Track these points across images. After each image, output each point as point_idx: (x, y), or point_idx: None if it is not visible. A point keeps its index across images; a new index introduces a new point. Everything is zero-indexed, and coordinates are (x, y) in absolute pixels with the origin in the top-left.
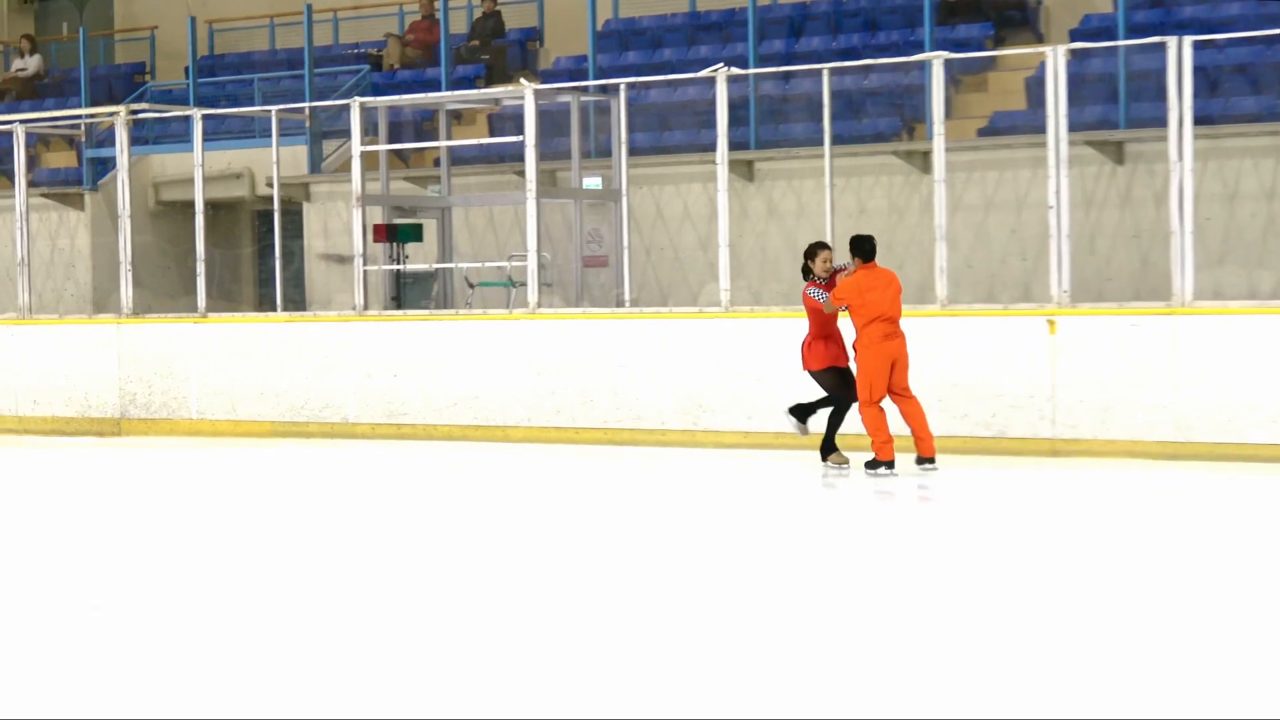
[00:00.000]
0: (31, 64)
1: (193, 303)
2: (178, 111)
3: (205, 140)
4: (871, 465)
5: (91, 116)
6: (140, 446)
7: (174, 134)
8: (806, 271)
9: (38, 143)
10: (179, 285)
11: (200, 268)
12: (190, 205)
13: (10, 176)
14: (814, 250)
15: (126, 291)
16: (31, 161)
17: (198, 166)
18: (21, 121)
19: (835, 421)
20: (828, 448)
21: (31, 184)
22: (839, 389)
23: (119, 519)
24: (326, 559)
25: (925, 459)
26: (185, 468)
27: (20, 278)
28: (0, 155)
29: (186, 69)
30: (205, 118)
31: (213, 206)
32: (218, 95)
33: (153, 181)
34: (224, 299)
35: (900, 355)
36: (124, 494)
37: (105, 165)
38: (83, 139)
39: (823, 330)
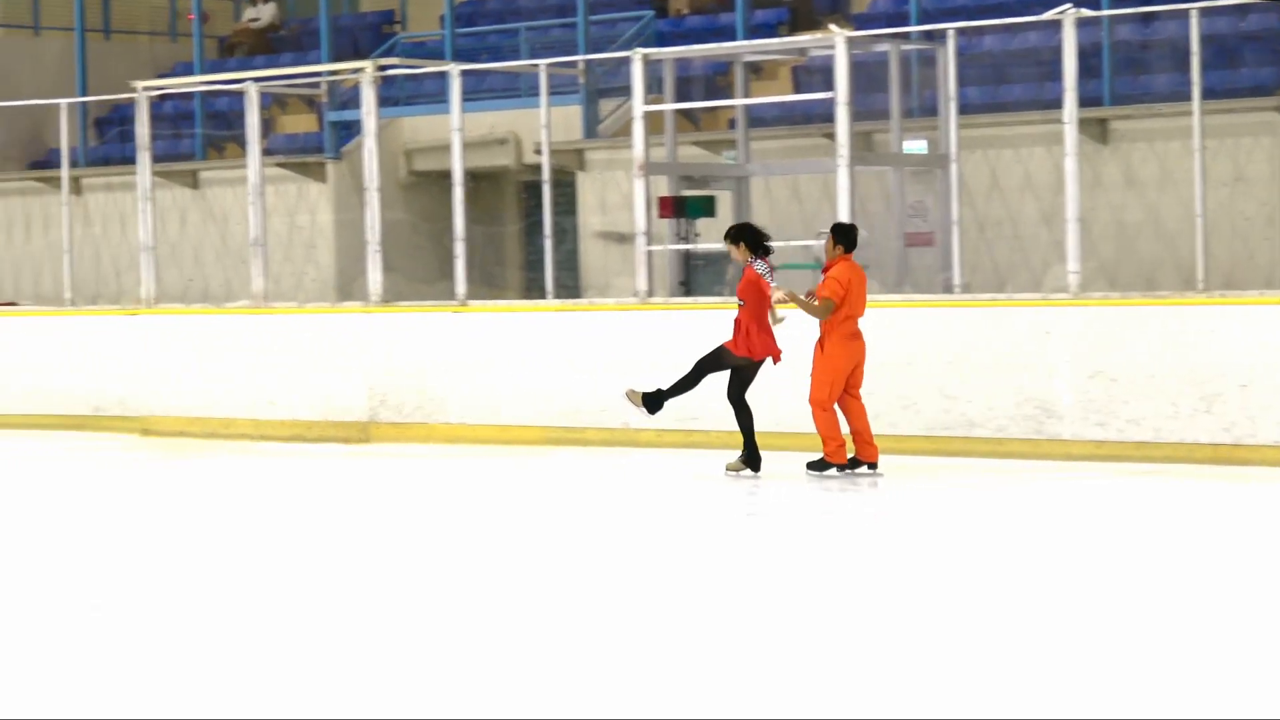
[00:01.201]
0: (265, 13)
1: (450, 288)
2: (432, 67)
3: (464, 100)
4: (819, 466)
5: (334, 74)
6: (391, 456)
7: (428, 93)
8: (751, 239)
9: (273, 104)
10: (434, 269)
11: (459, 248)
12: (447, 176)
13: (242, 144)
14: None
15: (375, 276)
16: (266, 126)
17: (455, 131)
18: (255, 80)
19: (675, 392)
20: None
21: (266, 152)
22: (738, 382)
23: (362, 544)
24: (593, 586)
25: (871, 464)
26: (441, 482)
27: (255, 260)
28: (231, 119)
29: (442, 17)
30: (464, 74)
31: (473, 177)
32: (478, 48)
33: (404, 149)
34: (486, 284)
35: (863, 356)
36: (370, 512)
37: (350, 130)
38: (324, 100)
39: (762, 314)
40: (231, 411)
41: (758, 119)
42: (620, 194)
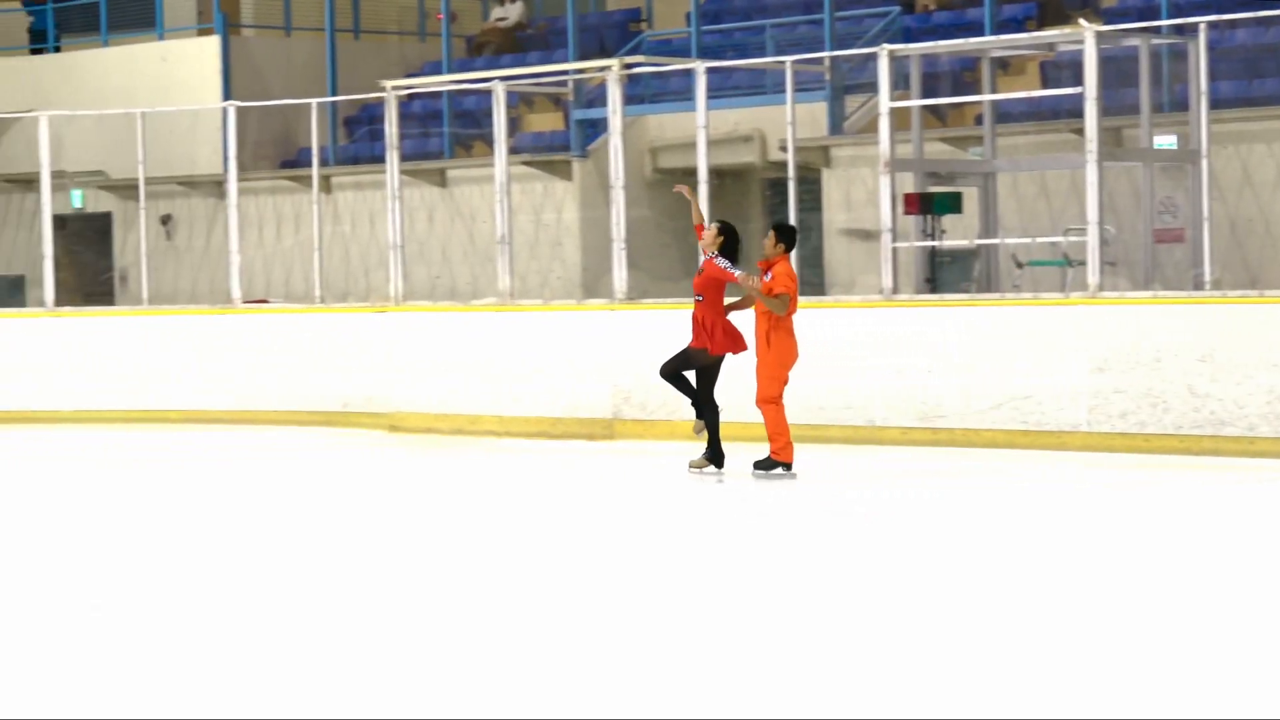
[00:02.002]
0: (513, 12)
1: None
2: (678, 65)
3: (709, 98)
4: (767, 465)
5: (580, 72)
6: (634, 453)
7: (673, 91)
8: (730, 233)
9: (520, 103)
10: (679, 266)
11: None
12: (692, 173)
13: (489, 142)
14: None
15: (619, 273)
16: (513, 125)
17: (701, 129)
18: (502, 79)
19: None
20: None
21: (513, 150)
22: (704, 380)
23: (591, 540)
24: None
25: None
26: (680, 478)
27: (501, 258)
28: (479, 118)
29: (687, 15)
30: (709, 71)
31: (718, 174)
32: (723, 45)
33: (649, 146)
34: None
35: (797, 355)
36: (610, 508)
37: (596, 128)
38: (570, 98)
39: (720, 309)
40: (477, 408)
41: (1005, 115)
42: (865, 191)
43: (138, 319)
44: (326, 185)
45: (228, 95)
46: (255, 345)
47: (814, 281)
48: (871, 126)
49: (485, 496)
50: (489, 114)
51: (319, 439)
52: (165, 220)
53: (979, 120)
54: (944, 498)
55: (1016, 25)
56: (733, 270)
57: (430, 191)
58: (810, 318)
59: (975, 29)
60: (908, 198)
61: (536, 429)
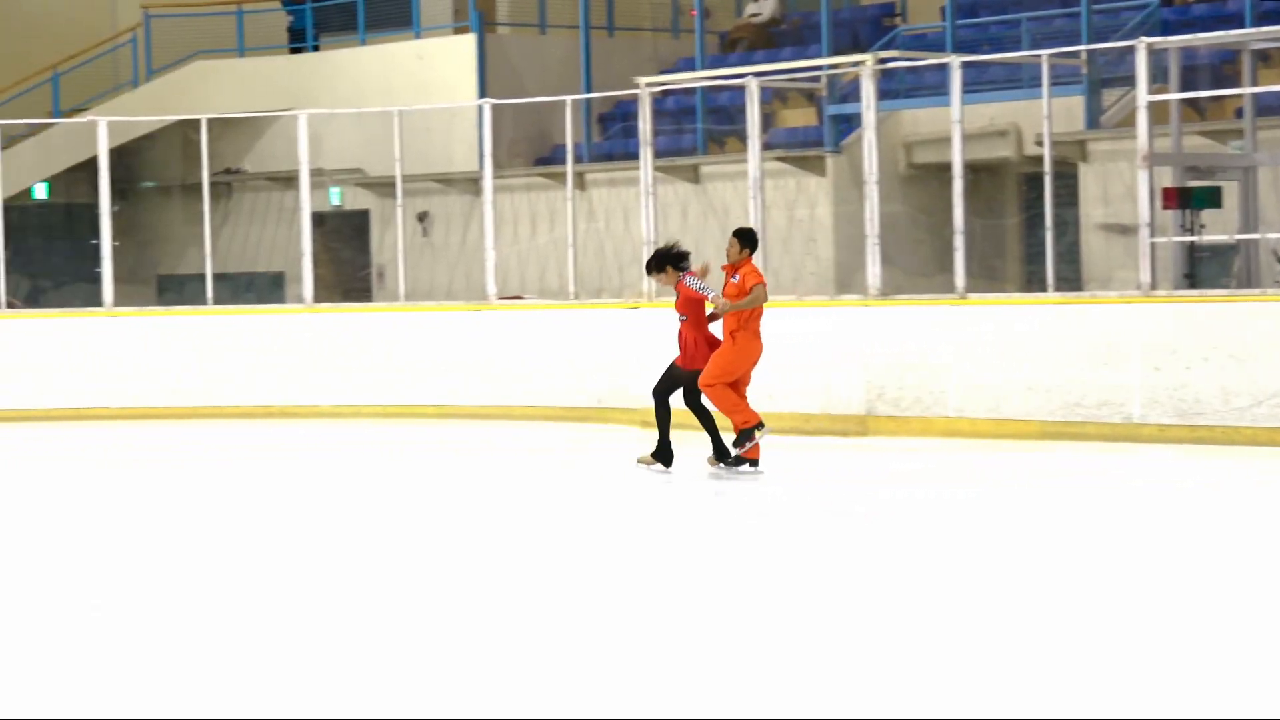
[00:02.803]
0: (767, 8)
1: (949, 281)
2: (932, 59)
3: (965, 92)
4: (741, 439)
5: (833, 67)
6: (886, 450)
7: (928, 86)
8: (672, 261)
9: (773, 99)
10: (933, 262)
11: (958, 241)
12: (946, 168)
13: (743, 138)
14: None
15: (873, 269)
16: (766, 121)
17: (955, 123)
18: (755, 75)
19: (665, 432)
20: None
21: (766, 146)
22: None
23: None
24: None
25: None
26: (934, 477)
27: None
28: (732, 114)
29: (942, 9)
30: (964, 66)
31: (973, 169)
32: (978, 39)
33: (903, 141)
34: (985, 277)
35: (760, 356)
36: (864, 505)
37: (849, 123)
38: (823, 94)
39: (704, 326)
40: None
41: (1266, 108)
42: (1123, 185)
43: (394, 315)
44: (580, 182)
45: (483, 93)
46: (510, 342)
47: (1070, 277)
48: (1129, 120)
49: (716, 494)
50: (742, 110)
51: (572, 435)
52: (422, 217)
53: (1239, 113)
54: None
55: (1278, 17)
56: (705, 292)
57: (683, 188)
58: (1066, 314)
59: (1235, 21)
60: (1166, 192)
61: (790, 425)
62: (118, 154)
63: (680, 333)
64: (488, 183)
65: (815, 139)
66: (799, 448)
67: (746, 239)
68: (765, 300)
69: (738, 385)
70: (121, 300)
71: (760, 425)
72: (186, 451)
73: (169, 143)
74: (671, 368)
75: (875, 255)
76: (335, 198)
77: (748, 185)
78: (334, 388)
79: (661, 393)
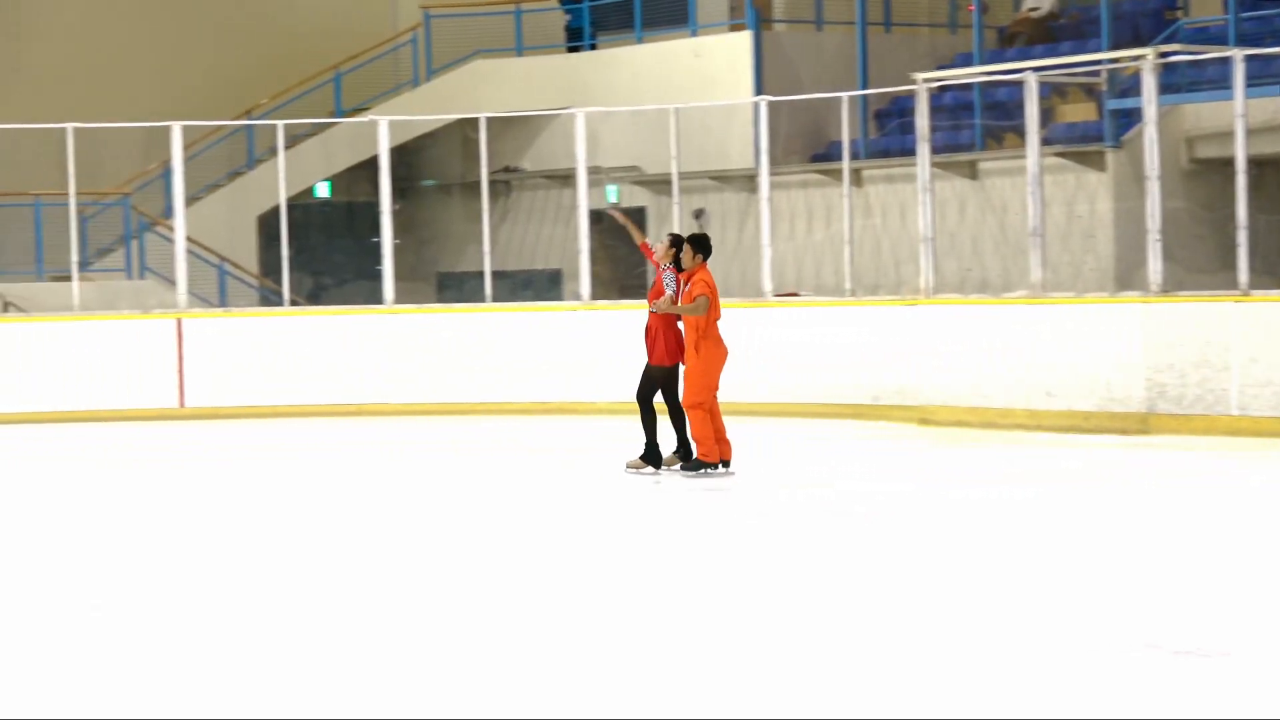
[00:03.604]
0: (1045, 3)
1: (1231, 278)
2: (1215, 53)
3: (1248, 86)
4: (694, 466)
5: (1114, 61)
6: (1166, 448)
7: (1210, 80)
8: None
9: (1052, 94)
10: (1215, 258)
11: (1241, 237)
12: (1229, 163)
13: (1021, 134)
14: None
15: (1154, 265)
16: (1045, 116)
17: (1239, 117)
18: (1034, 70)
19: (651, 435)
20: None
21: (1045, 141)
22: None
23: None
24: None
25: (725, 461)
26: (1211, 477)
27: (1033, 250)
28: (1010, 109)
29: (1226, 2)
30: (1247, 59)
31: (1256, 164)
32: (1262, 32)
33: (1185, 136)
34: (1269, 274)
35: (725, 359)
36: (1143, 507)
37: (1130, 118)
38: (1103, 88)
39: (671, 319)
40: (1008, 401)
41: None
42: None
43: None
44: (857, 178)
45: (759, 90)
46: (785, 338)
47: None
48: None
49: (995, 492)
50: (1021, 105)
51: (849, 432)
52: (698, 214)
53: None
54: None
55: None
56: (668, 289)
57: (961, 184)
58: None
59: None
60: None
61: (1068, 423)
62: (398, 153)
63: (648, 323)
64: (764, 179)
65: (1095, 134)
66: (1079, 445)
67: (699, 245)
68: (704, 312)
69: (714, 410)
70: (402, 297)
71: (714, 466)
72: (458, 445)
73: (448, 141)
74: (647, 370)
75: (1156, 251)
76: (612, 195)
77: (1026, 181)
78: (612, 383)
79: (643, 396)
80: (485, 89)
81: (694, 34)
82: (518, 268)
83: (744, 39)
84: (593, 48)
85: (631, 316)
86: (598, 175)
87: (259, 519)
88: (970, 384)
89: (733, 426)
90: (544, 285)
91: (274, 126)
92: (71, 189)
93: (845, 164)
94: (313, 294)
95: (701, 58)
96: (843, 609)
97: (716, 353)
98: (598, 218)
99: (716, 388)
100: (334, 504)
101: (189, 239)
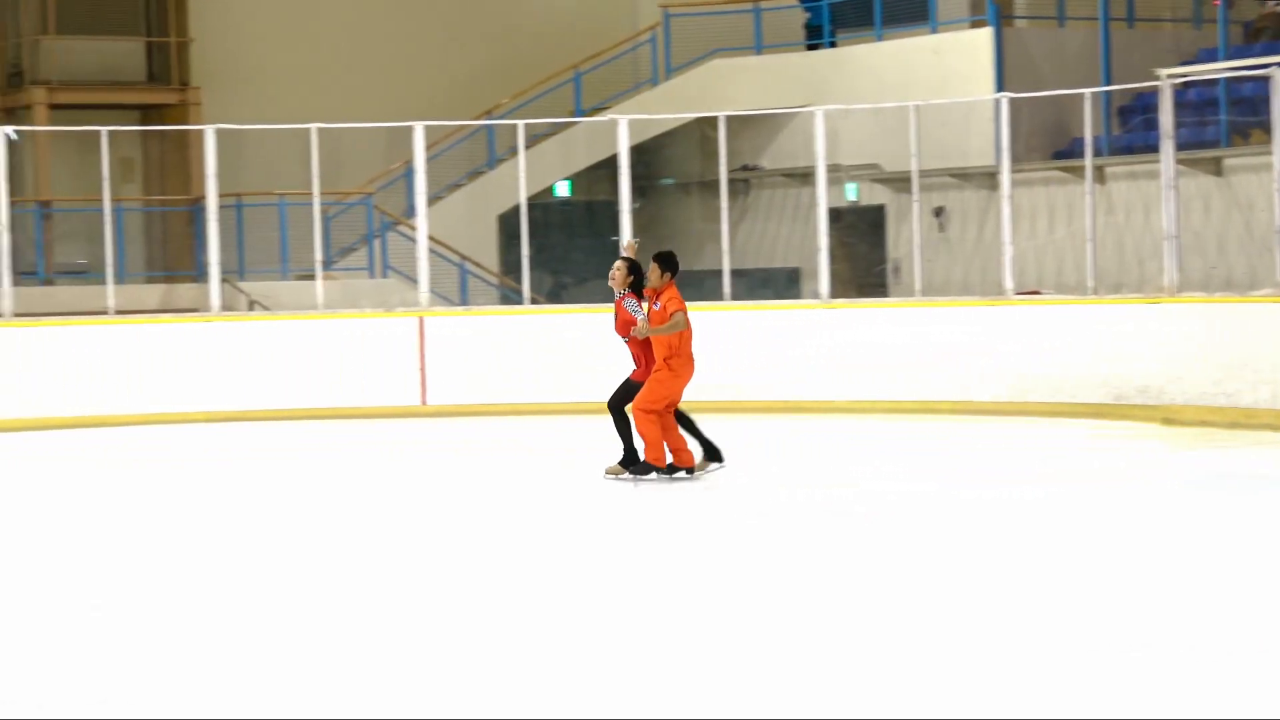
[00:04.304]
0: None
1: None
2: None
3: None
4: (642, 469)
5: None
6: None
7: None
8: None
9: None
10: None
11: None
12: None
13: (1268, 129)
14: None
15: None
16: None
17: None
18: (1279, 65)
19: (629, 443)
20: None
21: None
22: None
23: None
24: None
25: (689, 469)
26: None
27: (1279, 248)
28: (1256, 105)
29: None
30: None
31: None
32: None
33: None
34: None
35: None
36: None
37: None
38: None
39: (648, 343)
40: (1255, 402)
41: None
42: None
43: (910, 310)
44: (1100, 175)
45: (1000, 87)
46: (1027, 336)
47: None
48: None
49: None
50: (1267, 101)
51: (1087, 432)
52: (938, 212)
53: None
54: None
55: None
56: (636, 315)
57: (1205, 181)
58: None
59: None
60: None
61: None
62: (637, 151)
63: (630, 347)
64: (1005, 177)
65: None
66: None
67: (666, 263)
68: (684, 327)
69: (666, 416)
70: None
71: (661, 471)
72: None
73: (687, 140)
74: (627, 382)
75: None
76: (851, 193)
77: (1272, 178)
78: (850, 382)
79: (617, 404)
80: (724, 87)
81: (934, 31)
82: (756, 266)
83: (985, 36)
84: (832, 45)
85: (871, 315)
86: (837, 173)
87: (483, 515)
88: (1215, 383)
89: (973, 425)
90: (782, 283)
91: (514, 126)
92: (315, 189)
93: (1088, 161)
94: (552, 292)
95: (941, 55)
96: (1089, 613)
97: (685, 370)
98: (837, 216)
99: (668, 402)
100: (560, 502)
101: (431, 238)
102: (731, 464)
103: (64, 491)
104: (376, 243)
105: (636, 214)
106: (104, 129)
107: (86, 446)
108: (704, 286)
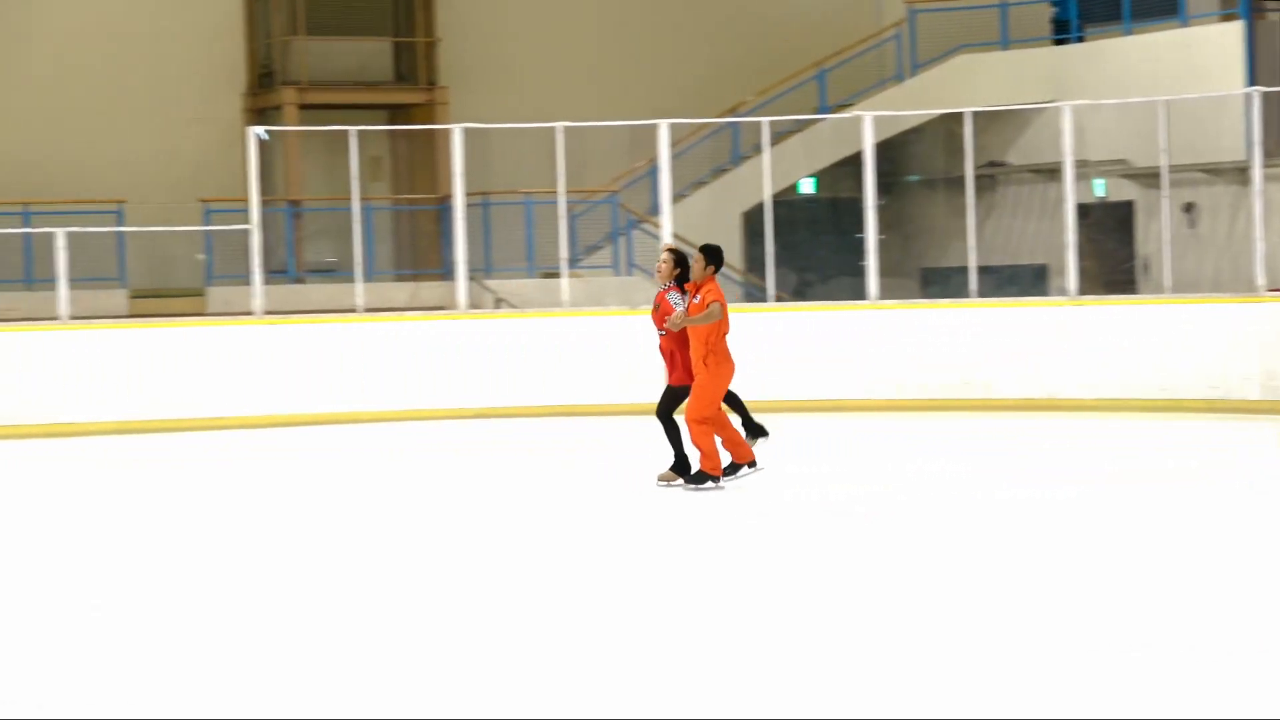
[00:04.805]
0: None
1: None
2: None
3: None
4: (698, 479)
5: None
6: None
7: None
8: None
9: None
10: None
11: None
12: None
13: None
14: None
15: None
16: None
17: None
18: None
19: (679, 450)
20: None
21: None
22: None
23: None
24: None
25: (750, 463)
26: None
27: None
28: None
29: None
30: None
31: None
32: None
33: None
34: None
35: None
36: None
37: None
38: None
39: (684, 338)
40: None
41: None
42: None
43: (1160, 307)
44: None
45: (1252, 81)
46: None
47: None
48: None
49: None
50: None
51: None
52: (1188, 208)
53: None
54: None
55: None
56: (678, 307)
57: None
58: None
59: None
60: None
61: None
62: (882, 148)
63: (661, 345)
64: (1257, 172)
65: None
66: None
67: (711, 256)
68: (720, 317)
69: (722, 420)
70: (886, 293)
71: (717, 479)
72: (929, 441)
73: (933, 136)
74: (668, 389)
75: None
76: (1099, 189)
77: None
78: (1099, 380)
79: (664, 414)
80: (970, 83)
81: (1184, 24)
82: (1002, 262)
83: (1235, 29)
84: (1080, 40)
85: (1120, 312)
86: (1084, 169)
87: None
88: None
89: (1223, 423)
90: (1029, 280)
91: (759, 123)
92: (561, 187)
93: None
94: (797, 290)
95: (1190, 49)
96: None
97: (724, 368)
98: (1084, 212)
99: (718, 406)
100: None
101: (675, 235)
102: (977, 461)
103: (324, 486)
104: (621, 240)
105: (881, 211)
106: (353, 129)
107: (336, 441)
108: (950, 283)
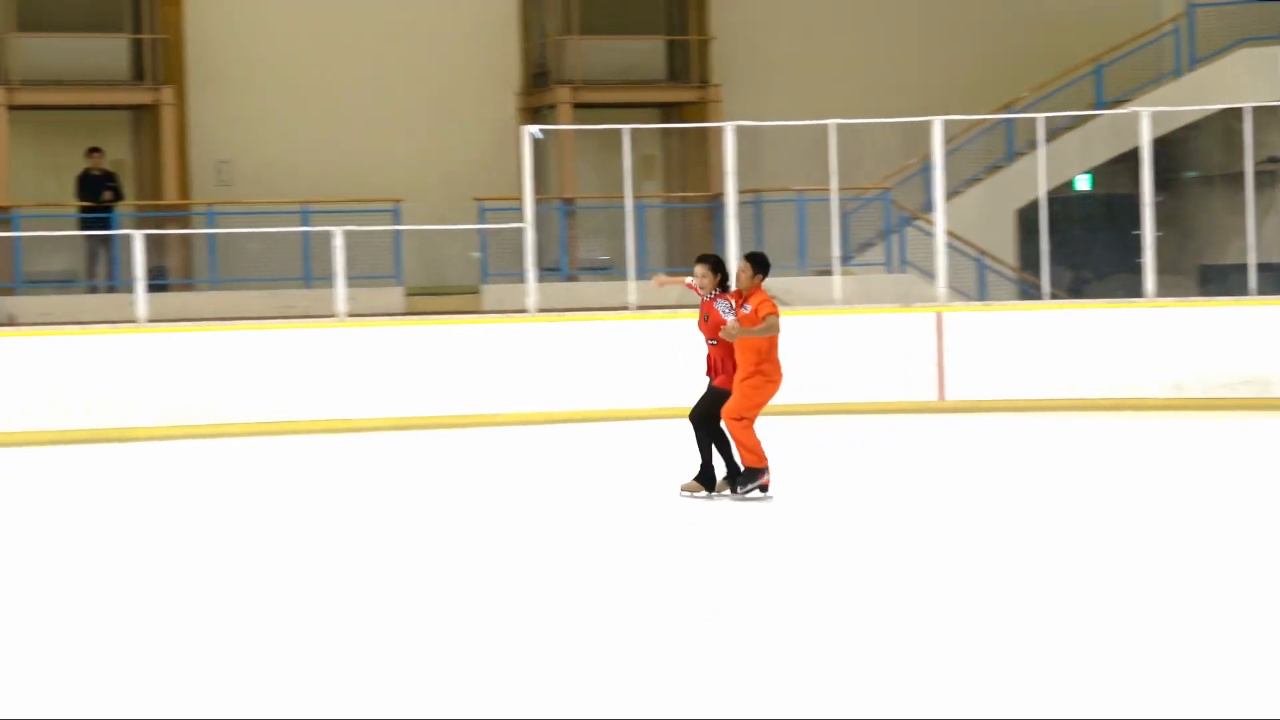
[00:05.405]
0: None
1: None
2: None
3: None
4: (749, 476)
5: None
6: None
7: None
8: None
9: None
10: None
11: None
12: None
13: None
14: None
15: None
16: None
17: None
18: None
19: (729, 459)
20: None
21: None
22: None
23: None
24: None
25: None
26: None
27: None
28: None
29: None
30: None
31: None
32: None
33: None
34: None
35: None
36: None
37: None
38: None
39: (731, 348)
40: None
41: None
42: None
43: None
44: None
45: None
46: None
47: None
48: None
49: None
50: None
51: None
52: None
53: None
54: None
55: None
56: (728, 317)
57: None
58: None
59: None
60: None
61: None
62: (1160, 144)
63: (709, 355)
64: None
65: None
66: None
67: (758, 264)
68: (778, 330)
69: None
70: (1163, 290)
71: (766, 470)
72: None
73: (1211, 132)
74: (712, 390)
75: None
76: None
77: None
78: None
79: (700, 417)
80: (1250, 78)
81: None
82: None
83: None
84: None
85: None
86: None
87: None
88: None
89: None
90: None
91: (1034, 119)
92: (833, 185)
93: None
94: (1072, 287)
95: None
96: None
97: (778, 375)
98: None
99: (759, 410)
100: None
101: (948, 233)
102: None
103: (593, 481)
104: (894, 238)
105: (1159, 208)
106: (626, 127)
107: (610, 438)
108: (1229, 281)
